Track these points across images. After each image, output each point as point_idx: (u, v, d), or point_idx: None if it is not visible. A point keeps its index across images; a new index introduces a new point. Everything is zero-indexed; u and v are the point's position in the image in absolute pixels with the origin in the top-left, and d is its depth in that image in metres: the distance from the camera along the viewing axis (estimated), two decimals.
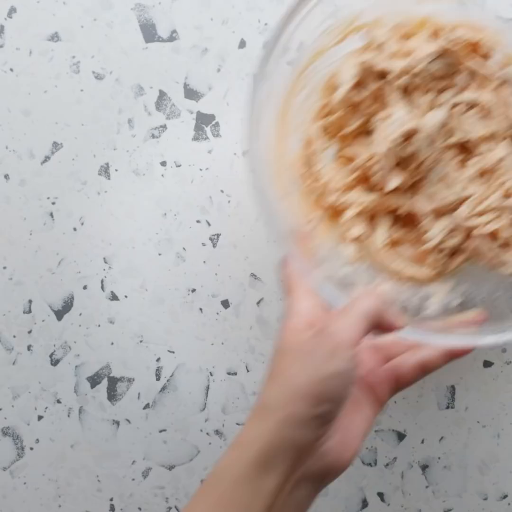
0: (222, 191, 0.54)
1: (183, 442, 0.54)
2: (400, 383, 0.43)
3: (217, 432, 0.54)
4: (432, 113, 0.45)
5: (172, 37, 0.54)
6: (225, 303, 0.54)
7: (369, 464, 0.54)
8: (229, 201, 0.54)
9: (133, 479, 0.54)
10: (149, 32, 0.54)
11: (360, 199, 0.46)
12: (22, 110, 0.54)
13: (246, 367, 0.54)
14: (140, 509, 0.54)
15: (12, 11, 0.54)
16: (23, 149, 0.54)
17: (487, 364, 0.54)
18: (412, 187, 0.46)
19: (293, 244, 0.42)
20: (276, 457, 0.36)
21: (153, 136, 0.54)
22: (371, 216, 0.47)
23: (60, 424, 0.54)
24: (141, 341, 0.54)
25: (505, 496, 0.54)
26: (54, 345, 0.54)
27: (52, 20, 0.54)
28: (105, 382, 0.54)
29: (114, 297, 0.54)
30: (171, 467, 0.54)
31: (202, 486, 0.37)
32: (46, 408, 0.54)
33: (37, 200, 0.54)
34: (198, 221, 0.54)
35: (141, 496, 0.54)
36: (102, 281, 0.54)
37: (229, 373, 0.54)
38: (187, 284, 0.54)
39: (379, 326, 0.39)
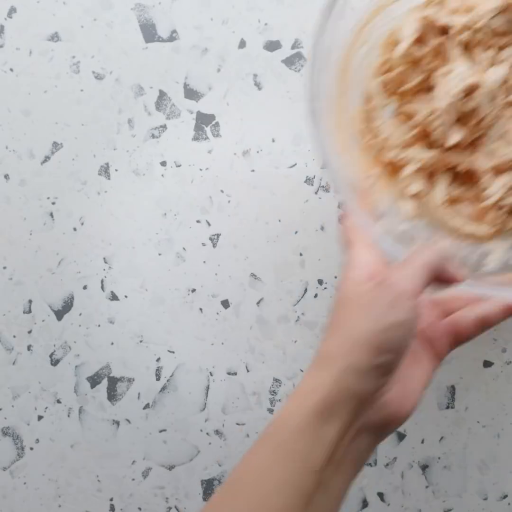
0: (222, 191, 0.54)
1: (183, 442, 0.54)
2: (459, 337, 0.43)
3: (217, 432, 0.54)
4: (493, 69, 0.45)
5: (172, 37, 0.54)
6: (225, 303, 0.54)
7: (369, 464, 0.54)
8: (229, 201, 0.54)
9: (133, 479, 0.54)
10: (149, 32, 0.54)
11: (420, 155, 0.46)
12: (22, 110, 0.54)
13: (246, 367, 0.54)
14: (140, 509, 0.54)
15: (12, 11, 0.54)
16: (23, 149, 0.54)
17: (487, 364, 0.54)
18: (471, 144, 0.46)
19: (353, 197, 0.42)
20: (337, 406, 0.36)
21: (153, 136, 0.54)
22: (430, 173, 0.47)
23: (60, 424, 0.54)
24: (141, 341, 0.54)
25: (505, 496, 0.54)
26: (54, 345, 0.54)
27: (52, 20, 0.54)
28: (105, 382, 0.54)
29: (114, 297, 0.54)
30: (171, 467, 0.54)
31: (262, 435, 0.38)
32: (46, 408, 0.54)
33: (37, 200, 0.54)
34: (198, 221, 0.54)
35: (141, 496, 0.54)
36: (102, 281, 0.54)
37: (229, 373, 0.54)
38: (187, 284, 0.54)
39: (439, 278, 0.39)
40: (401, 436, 0.54)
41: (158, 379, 0.54)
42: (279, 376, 0.54)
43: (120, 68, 0.54)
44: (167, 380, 0.54)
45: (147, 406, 0.54)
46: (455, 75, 0.45)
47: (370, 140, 0.47)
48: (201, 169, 0.54)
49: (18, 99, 0.54)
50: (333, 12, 0.42)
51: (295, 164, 0.54)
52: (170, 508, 0.54)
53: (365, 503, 0.54)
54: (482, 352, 0.54)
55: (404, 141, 0.46)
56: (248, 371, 0.54)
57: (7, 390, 0.54)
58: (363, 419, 0.38)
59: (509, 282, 0.44)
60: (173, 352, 0.54)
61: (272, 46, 0.54)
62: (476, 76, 0.44)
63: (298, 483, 0.36)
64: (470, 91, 0.44)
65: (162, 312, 0.54)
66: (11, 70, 0.54)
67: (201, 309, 0.54)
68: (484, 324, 0.43)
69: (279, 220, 0.54)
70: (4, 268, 0.54)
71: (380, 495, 0.54)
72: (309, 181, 0.54)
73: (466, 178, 0.47)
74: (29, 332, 0.54)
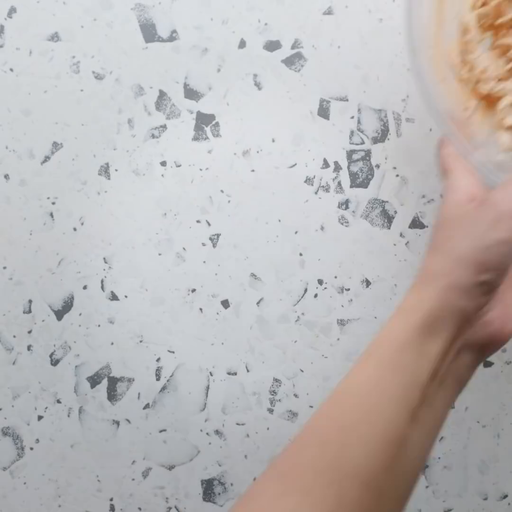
0: (222, 191, 0.54)
1: (183, 442, 0.54)
2: None
3: (217, 432, 0.54)
4: None
5: (172, 37, 0.54)
6: (225, 303, 0.54)
7: None
8: (229, 201, 0.54)
9: (133, 479, 0.54)
10: (149, 32, 0.54)
11: None
12: (22, 110, 0.54)
13: (246, 367, 0.54)
14: (140, 509, 0.54)
15: (12, 11, 0.54)
16: (23, 149, 0.54)
17: (487, 364, 0.54)
18: None
19: (451, 125, 0.42)
20: (440, 322, 0.37)
21: (153, 136, 0.54)
22: None
23: (60, 424, 0.54)
24: (141, 341, 0.54)
25: (505, 496, 0.54)
26: (54, 345, 0.54)
27: (52, 20, 0.54)
28: (105, 382, 0.54)
29: (114, 297, 0.54)
30: (171, 467, 0.54)
31: (366, 352, 0.38)
32: (46, 408, 0.54)
33: (37, 200, 0.54)
34: (198, 221, 0.54)
35: (141, 496, 0.54)
36: (102, 281, 0.54)
37: (229, 373, 0.54)
38: (187, 284, 0.54)
39: None
40: None
41: (158, 379, 0.54)
42: (279, 376, 0.54)
43: (120, 68, 0.54)
44: (167, 380, 0.54)
45: (147, 406, 0.54)
46: None
47: (466, 72, 0.47)
48: (201, 169, 0.54)
49: (18, 99, 0.54)
50: None
51: (295, 164, 0.54)
52: (170, 508, 0.54)
53: None
54: None
55: (500, 74, 0.46)
56: (248, 371, 0.54)
57: (7, 390, 0.54)
58: (465, 336, 0.38)
59: None
60: (173, 352, 0.54)
61: (272, 46, 0.54)
62: None
63: (404, 397, 0.36)
64: None
65: (162, 312, 0.54)
66: (11, 70, 0.54)
67: (201, 309, 0.54)
68: None
69: (279, 220, 0.54)
70: (4, 268, 0.54)
71: None
72: (309, 181, 0.54)
73: None
74: (29, 332, 0.54)
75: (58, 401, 0.54)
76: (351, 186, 0.54)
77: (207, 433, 0.54)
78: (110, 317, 0.54)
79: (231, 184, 0.54)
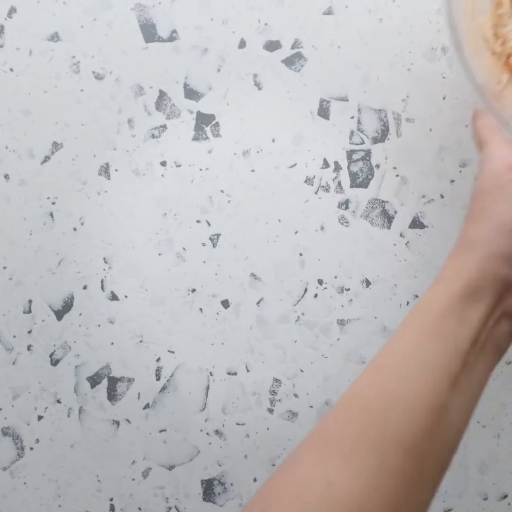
0: (222, 191, 0.54)
1: (183, 442, 0.54)
2: None
3: (217, 432, 0.54)
4: None
5: (172, 37, 0.54)
6: (225, 303, 0.54)
7: None
8: (229, 201, 0.54)
9: (133, 479, 0.54)
10: (149, 32, 0.54)
11: None
12: (22, 110, 0.54)
13: (246, 367, 0.54)
14: (140, 509, 0.54)
15: (12, 11, 0.54)
16: (23, 149, 0.54)
17: None
18: None
19: (487, 97, 0.43)
20: (481, 290, 0.37)
21: (153, 136, 0.54)
22: None
23: (60, 424, 0.54)
24: (141, 341, 0.54)
25: (505, 496, 0.54)
26: (54, 345, 0.54)
27: (52, 20, 0.54)
28: (105, 382, 0.54)
29: (114, 297, 0.54)
30: (171, 467, 0.54)
31: (406, 320, 0.38)
32: (46, 408, 0.54)
33: (37, 200, 0.54)
34: (198, 221, 0.54)
35: (141, 496, 0.54)
36: (102, 281, 0.54)
37: (229, 373, 0.54)
38: (187, 284, 0.54)
39: None
40: None
41: (158, 379, 0.54)
42: (279, 376, 0.54)
43: (120, 68, 0.54)
44: (167, 380, 0.54)
45: (147, 406, 0.54)
46: None
47: (500, 46, 0.47)
48: (201, 169, 0.54)
49: (18, 99, 0.54)
50: None
51: (295, 164, 0.54)
52: (170, 508, 0.54)
53: None
54: None
55: None
56: (248, 371, 0.54)
57: (7, 390, 0.54)
58: (505, 305, 0.39)
59: None
60: (173, 352, 0.54)
61: (272, 46, 0.54)
62: None
63: (445, 364, 0.36)
64: None
65: (162, 312, 0.54)
66: (11, 70, 0.54)
67: (201, 309, 0.54)
68: None
69: (279, 220, 0.54)
70: (4, 268, 0.54)
71: None
72: (309, 181, 0.54)
73: None
74: (29, 332, 0.54)
75: (58, 401, 0.54)
76: (351, 186, 0.54)
77: (207, 433, 0.54)
78: (110, 317, 0.54)
79: (231, 184, 0.54)
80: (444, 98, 0.54)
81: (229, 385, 0.54)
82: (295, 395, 0.54)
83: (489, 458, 0.54)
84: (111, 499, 0.54)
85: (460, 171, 0.54)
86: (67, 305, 0.54)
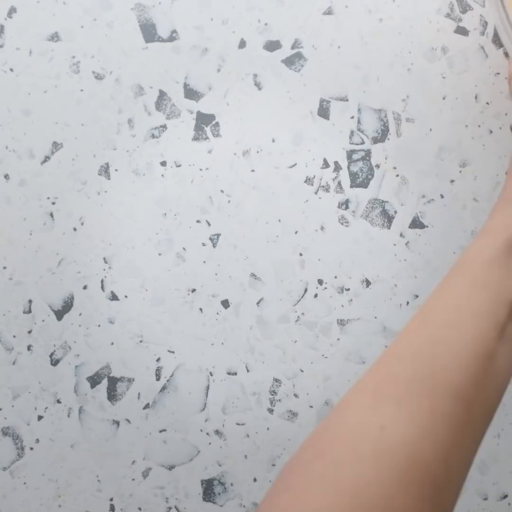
0: (222, 191, 0.54)
1: (183, 442, 0.54)
2: None
3: (217, 432, 0.54)
4: None
5: (172, 37, 0.54)
6: (225, 303, 0.54)
7: None
8: (229, 201, 0.54)
9: (133, 479, 0.54)
10: (149, 32, 0.54)
11: None
12: (22, 110, 0.54)
13: (246, 367, 0.54)
14: (140, 509, 0.54)
15: (12, 11, 0.54)
16: (23, 149, 0.54)
17: None
18: None
19: None
20: None
21: (153, 136, 0.54)
22: None
23: (60, 424, 0.54)
24: (141, 341, 0.54)
25: (505, 496, 0.54)
26: (54, 345, 0.54)
27: (52, 20, 0.54)
28: (105, 382, 0.54)
29: (114, 297, 0.54)
30: (171, 467, 0.54)
31: (452, 271, 0.39)
32: (46, 408, 0.54)
33: (37, 200, 0.54)
34: (198, 221, 0.54)
35: (141, 496, 0.54)
36: (102, 281, 0.54)
37: (229, 373, 0.54)
38: (187, 284, 0.54)
39: None
40: None
41: (158, 379, 0.54)
42: (279, 376, 0.54)
43: (120, 68, 0.54)
44: (167, 380, 0.54)
45: (147, 406, 0.54)
46: None
47: None
48: (201, 169, 0.54)
49: (18, 99, 0.54)
50: None
51: (295, 164, 0.54)
52: (170, 508, 0.54)
53: None
54: None
55: None
56: (248, 371, 0.54)
57: (7, 390, 0.54)
58: None
59: None
60: (173, 352, 0.54)
61: (272, 46, 0.54)
62: None
63: (493, 313, 0.37)
64: None
65: (162, 312, 0.54)
66: (11, 70, 0.54)
67: (201, 309, 0.54)
68: None
69: (279, 220, 0.54)
70: (4, 268, 0.54)
71: None
72: (309, 181, 0.54)
73: None
74: (29, 332, 0.54)
75: (58, 401, 0.54)
76: (351, 186, 0.54)
77: (207, 433, 0.54)
78: (110, 317, 0.54)
79: (231, 184, 0.54)
80: (444, 98, 0.54)
81: (229, 385, 0.54)
82: (295, 395, 0.54)
83: (489, 458, 0.54)
84: (111, 499, 0.54)
85: (460, 171, 0.54)
86: (67, 305, 0.54)
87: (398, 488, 0.33)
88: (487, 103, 0.54)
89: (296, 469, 0.35)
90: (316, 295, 0.54)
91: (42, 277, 0.54)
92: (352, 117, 0.54)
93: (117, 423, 0.54)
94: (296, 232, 0.54)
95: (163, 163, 0.54)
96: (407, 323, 0.39)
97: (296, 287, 0.54)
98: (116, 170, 0.54)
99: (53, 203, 0.54)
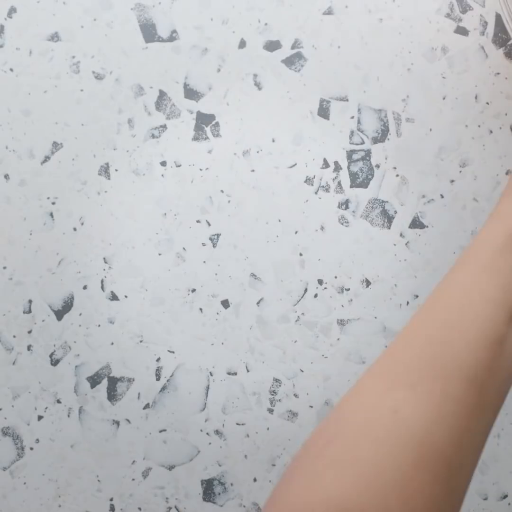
0: (222, 191, 0.54)
1: (183, 442, 0.54)
2: None
3: (217, 432, 0.54)
4: None
5: (172, 37, 0.54)
6: (225, 303, 0.54)
7: None
8: (229, 201, 0.54)
9: (133, 479, 0.54)
10: (149, 32, 0.54)
11: None
12: (22, 110, 0.54)
13: (246, 367, 0.54)
14: (140, 509, 0.54)
15: (12, 11, 0.54)
16: (23, 149, 0.54)
17: None
18: None
19: None
20: None
21: (153, 136, 0.54)
22: None
23: (60, 424, 0.54)
24: (141, 341, 0.54)
25: (505, 496, 0.54)
26: (54, 345, 0.54)
27: (52, 20, 0.54)
28: (105, 382, 0.54)
29: (114, 297, 0.54)
30: (171, 467, 0.54)
31: (462, 256, 0.39)
32: (46, 408, 0.54)
33: (37, 200, 0.54)
34: (198, 221, 0.54)
35: (141, 496, 0.54)
36: (102, 281, 0.54)
37: (229, 373, 0.54)
38: (187, 284, 0.54)
39: None
40: None
41: (158, 379, 0.54)
42: (279, 376, 0.54)
43: (120, 68, 0.54)
44: (167, 380, 0.54)
45: (147, 406, 0.54)
46: None
47: None
48: (201, 169, 0.54)
49: (18, 99, 0.54)
50: None
51: (295, 164, 0.54)
52: (170, 508, 0.54)
53: None
54: None
55: None
56: (248, 371, 0.54)
57: (7, 390, 0.54)
58: None
59: None
60: (173, 352, 0.54)
61: (272, 46, 0.54)
62: None
63: (502, 298, 0.37)
64: None
65: (162, 312, 0.54)
66: (11, 70, 0.54)
67: (201, 309, 0.54)
68: None
69: (279, 220, 0.54)
70: (4, 268, 0.54)
71: None
72: (309, 181, 0.54)
73: None
74: (29, 332, 0.54)
75: (58, 401, 0.54)
76: (351, 186, 0.54)
77: (207, 433, 0.54)
78: (110, 317, 0.54)
79: (231, 184, 0.54)
80: (444, 98, 0.54)
81: (229, 385, 0.54)
82: (295, 395, 0.54)
83: (489, 458, 0.54)
84: (111, 499, 0.54)
85: (460, 171, 0.54)
86: (67, 305, 0.54)
87: (414, 472, 0.33)
88: (487, 103, 0.54)
89: (310, 454, 0.35)
90: (316, 295, 0.54)
91: (42, 277, 0.54)
92: (352, 117, 0.54)
93: (117, 423, 0.54)
94: (296, 232, 0.54)
95: (163, 163, 0.54)
96: (419, 308, 0.39)
97: (296, 287, 0.54)
98: (116, 170, 0.54)
99: (53, 203, 0.54)
